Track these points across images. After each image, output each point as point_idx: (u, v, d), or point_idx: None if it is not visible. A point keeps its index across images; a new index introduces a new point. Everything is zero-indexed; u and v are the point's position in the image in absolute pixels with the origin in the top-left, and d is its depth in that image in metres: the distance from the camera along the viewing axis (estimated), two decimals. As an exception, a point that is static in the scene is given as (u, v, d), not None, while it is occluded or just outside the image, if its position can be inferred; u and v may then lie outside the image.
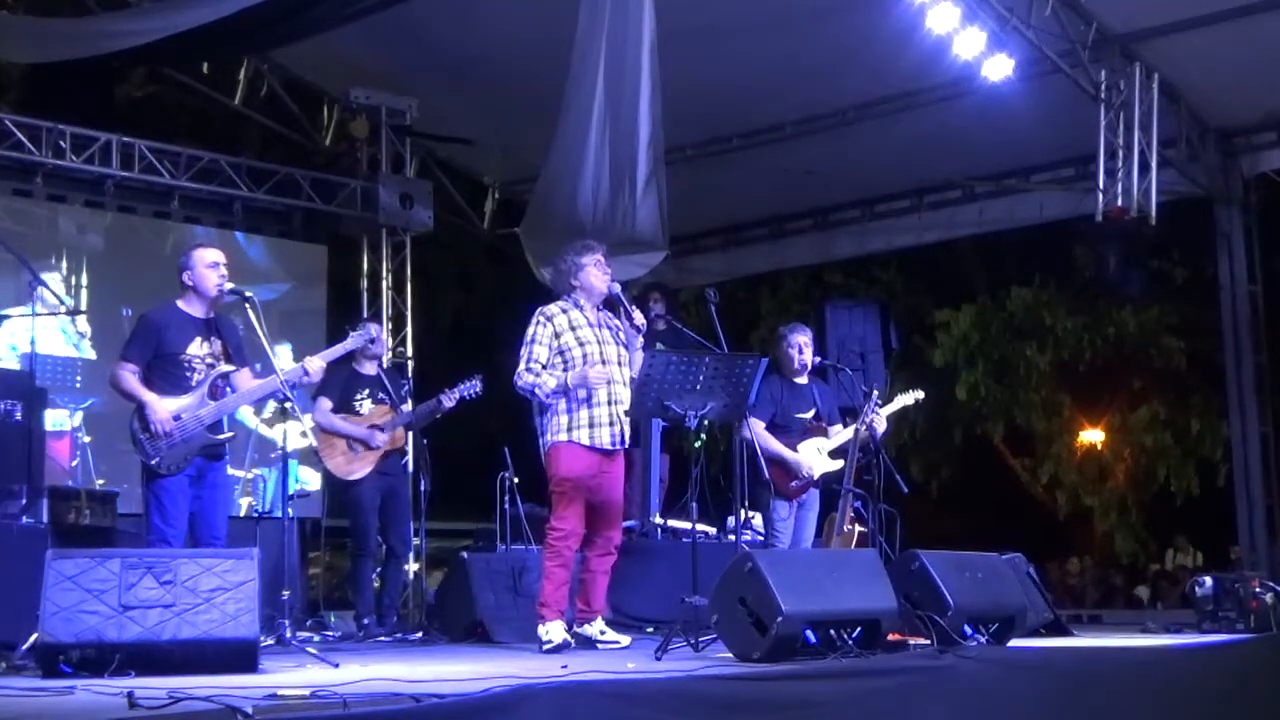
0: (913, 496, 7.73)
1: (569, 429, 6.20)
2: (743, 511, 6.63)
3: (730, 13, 9.32)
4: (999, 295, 17.48)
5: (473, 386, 8.13)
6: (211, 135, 13.23)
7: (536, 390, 6.22)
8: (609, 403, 6.22)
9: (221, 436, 6.09)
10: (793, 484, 7.36)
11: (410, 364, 11.12)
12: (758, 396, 6.67)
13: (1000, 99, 9.49)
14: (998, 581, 6.07)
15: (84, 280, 10.28)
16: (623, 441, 6.29)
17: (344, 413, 8.00)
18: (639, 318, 6.37)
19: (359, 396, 8.05)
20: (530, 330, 6.29)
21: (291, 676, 4.76)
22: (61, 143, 9.85)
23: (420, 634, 7.78)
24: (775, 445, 7.30)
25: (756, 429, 7.00)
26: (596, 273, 6.34)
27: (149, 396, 5.88)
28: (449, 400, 8.09)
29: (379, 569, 8.43)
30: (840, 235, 12.44)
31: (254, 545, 5.62)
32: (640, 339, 6.45)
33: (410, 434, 8.57)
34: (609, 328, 6.39)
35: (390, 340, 10.95)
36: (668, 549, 8.54)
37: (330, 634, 8.12)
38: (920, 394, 7.98)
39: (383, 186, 10.98)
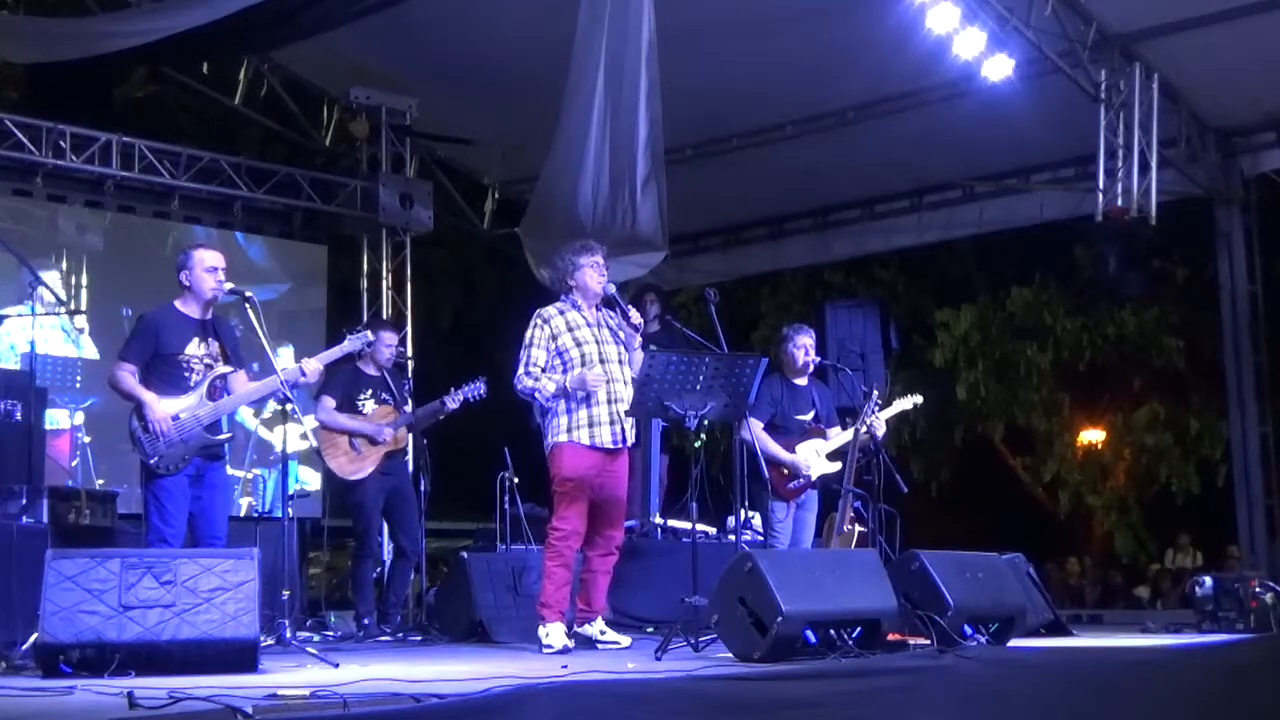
0: (913, 496, 7.73)
1: (569, 429, 6.21)
2: (742, 511, 6.63)
3: (731, 13, 9.33)
4: (999, 295, 17.47)
5: (477, 389, 8.13)
6: (211, 135, 13.25)
7: (536, 394, 6.23)
8: (609, 401, 6.22)
9: (220, 437, 6.09)
10: (790, 485, 7.35)
11: (410, 364, 11.11)
12: (757, 397, 6.67)
13: (1000, 99, 9.49)
14: (998, 581, 6.07)
15: (84, 280, 10.28)
16: (624, 440, 6.29)
17: (347, 412, 8.02)
18: (636, 317, 6.39)
19: (362, 396, 8.05)
20: (528, 334, 6.30)
21: (291, 676, 4.76)
22: (61, 143, 9.85)
23: (420, 634, 7.78)
24: (773, 446, 7.30)
25: (755, 429, 7.00)
26: (593, 274, 6.35)
27: (147, 396, 5.89)
28: (452, 402, 8.10)
29: (379, 569, 8.41)
30: (840, 235, 12.44)
31: (254, 545, 5.62)
32: (638, 339, 6.45)
33: (411, 434, 8.57)
34: (608, 327, 6.40)
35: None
36: (668, 549, 8.54)
37: (330, 634, 8.13)
38: (919, 398, 7.98)
39: (383, 186, 10.99)
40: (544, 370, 6.25)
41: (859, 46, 9.53)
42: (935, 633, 5.42)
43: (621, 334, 6.40)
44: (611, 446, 6.25)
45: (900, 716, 4.45)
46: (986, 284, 17.86)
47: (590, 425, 6.21)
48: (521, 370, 6.27)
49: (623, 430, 6.27)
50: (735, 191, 11.81)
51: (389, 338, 8.25)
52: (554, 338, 6.27)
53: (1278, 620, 7.28)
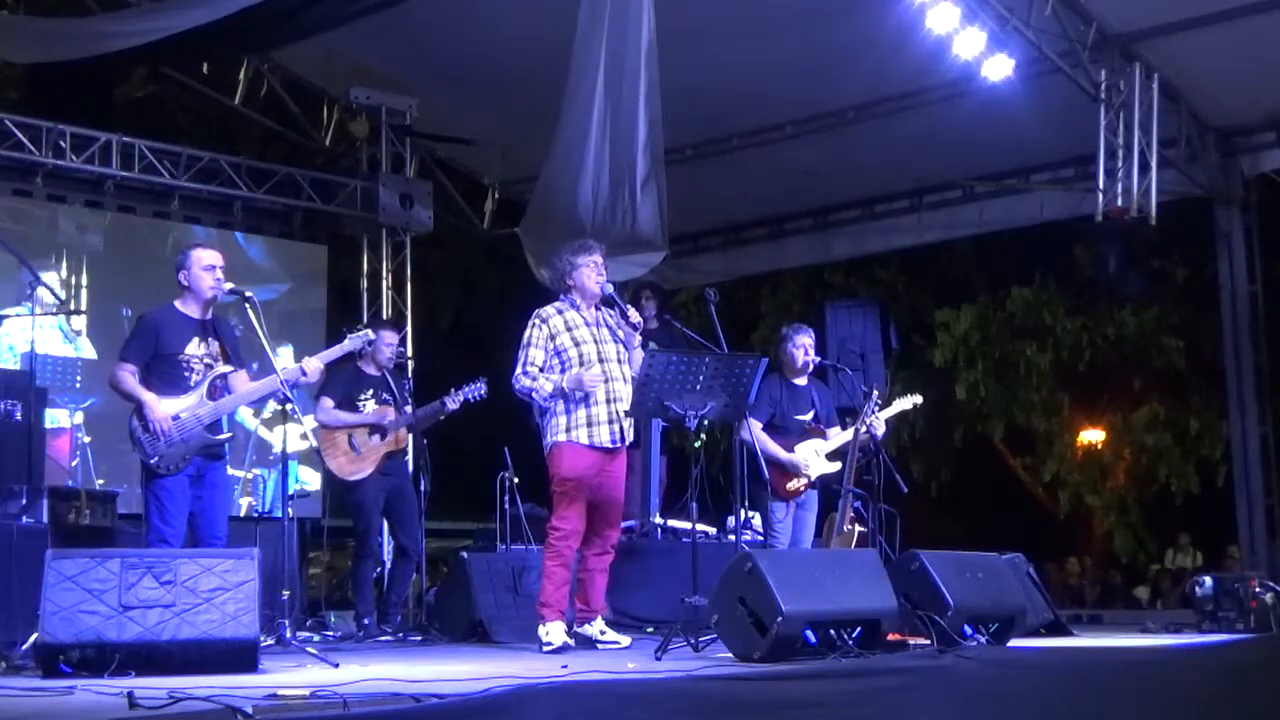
0: (913, 496, 7.73)
1: (568, 429, 6.21)
2: (742, 511, 6.63)
3: (731, 13, 9.33)
4: (999, 295, 17.47)
5: (478, 389, 8.11)
6: (211, 135, 13.25)
7: (534, 394, 6.24)
8: (608, 401, 6.23)
9: (220, 437, 6.09)
10: (789, 485, 7.35)
11: (410, 364, 11.11)
12: (756, 397, 6.67)
13: (1000, 99, 9.48)
14: (998, 581, 6.07)
15: (84, 280, 10.28)
16: (623, 439, 6.29)
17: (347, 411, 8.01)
18: (635, 316, 6.39)
19: (363, 396, 8.05)
20: (526, 334, 6.31)
21: (291, 676, 4.76)
22: (61, 143, 9.85)
23: (420, 634, 7.78)
24: (772, 446, 7.29)
25: (755, 429, 7.00)
26: (590, 274, 6.35)
27: (147, 396, 5.88)
28: (453, 403, 8.09)
29: (379, 569, 8.38)
30: (840, 235, 12.43)
31: (254, 545, 5.62)
32: (638, 338, 6.45)
33: (411, 434, 8.57)
34: (607, 326, 6.40)
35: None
36: (668, 549, 8.54)
37: (330, 634, 8.13)
38: (919, 398, 7.97)
39: (383, 186, 10.99)
40: (542, 370, 6.26)
41: (859, 46, 9.53)
42: (935, 633, 5.42)
43: (620, 333, 6.40)
44: (610, 446, 6.25)
45: (900, 716, 4.45)
46: (986, 284, 17.86)
47: (589, 425, 6.21)
48: (519, 370, 6.28)
49: (621, 430, 6.27)
50: (735, 191, 11.81)
51: (389, 337, 8.25)
52: (552, 337, 6.28)
53: (1278, 620, 7.28)
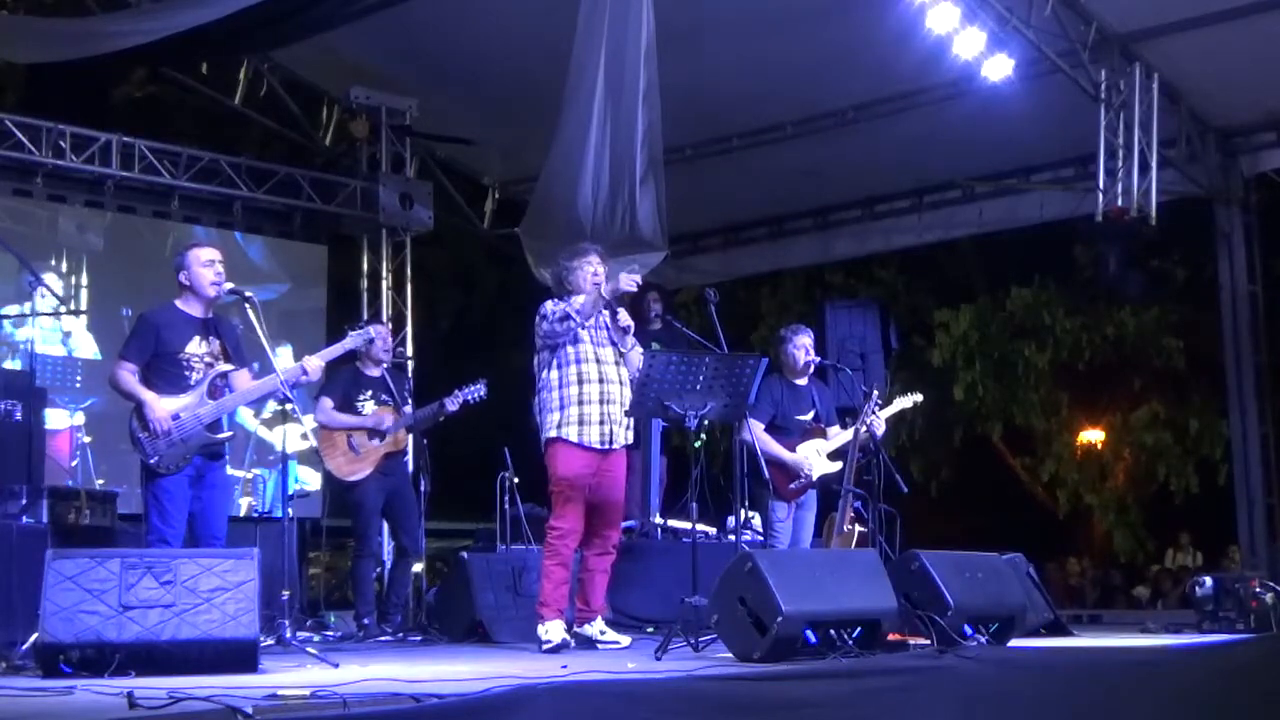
0: (913, 496, 7.73)
1: (559, 425, 6.23)
2: (742, 511, 6.63)
3: (731, 13, 9.32)
4: (999, 295, 17.46)
5: (477, 390, 8.10)
6: (211, 135, 13.24)
7: (568, 309, 6.18)
8: (600, 401, 6.23)
9: (221, 436, 6.08)
10: (791, 485, 7.36)
11: (410, 364, 11.12)
12: (757, 397, 6.67)
13: (1000, 99, 9.49)
14: (998, 581, 6.07)
15: (84, 280, 10.29)
16: (612, 442, 6.27)
17: (346, 413, 8.01)
18: (625, 319, 6.36)
19: (362, 397, 8.04)
20: (541, 315, 6.29)
21: (291, 676, 4.76)
22: (61, 143, 9.85)
23: (420, 634, 7.78)
24: (774, 446, 7.30)
25: (755, 430, 7.01)
26: (584, 279, 6.34)
27: (148, 395, 5.88)
28: (452, 404, 8.08)
29: (379, 569, 8.38)
30: (840, 235, 12.44)
31: (254, 545, 5.61)
32: (630, 340, 6.43)
33: (410, 435, 8.56)
34: (605, 328, 6.40)
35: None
36: (668, 549, 8.54)
37: (330, 634, 8.13)
38: (919, 397, 7.98)
39: (383, 186, 10.99)
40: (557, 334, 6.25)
41: (859, 46, 9.53)
42: (935, 633, 5.41)
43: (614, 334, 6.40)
44: (599, 448, 6.24)
45: (900, 716, 4.45)
46: (986, 284, 17.85)
47: (580, 423, 6.21)
48: (555, 308, 6.23)
49: (612, 432, 6.26)
50: (735, 191, 11.81)
51: (381, 330, 8.25)
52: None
53: (1278, 620, 7.27)
